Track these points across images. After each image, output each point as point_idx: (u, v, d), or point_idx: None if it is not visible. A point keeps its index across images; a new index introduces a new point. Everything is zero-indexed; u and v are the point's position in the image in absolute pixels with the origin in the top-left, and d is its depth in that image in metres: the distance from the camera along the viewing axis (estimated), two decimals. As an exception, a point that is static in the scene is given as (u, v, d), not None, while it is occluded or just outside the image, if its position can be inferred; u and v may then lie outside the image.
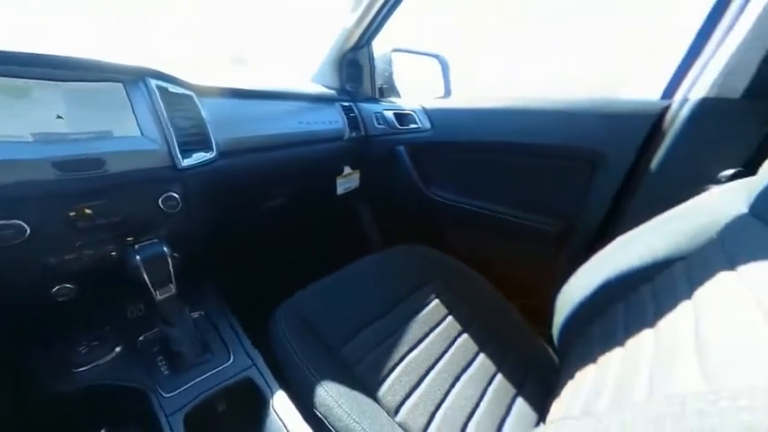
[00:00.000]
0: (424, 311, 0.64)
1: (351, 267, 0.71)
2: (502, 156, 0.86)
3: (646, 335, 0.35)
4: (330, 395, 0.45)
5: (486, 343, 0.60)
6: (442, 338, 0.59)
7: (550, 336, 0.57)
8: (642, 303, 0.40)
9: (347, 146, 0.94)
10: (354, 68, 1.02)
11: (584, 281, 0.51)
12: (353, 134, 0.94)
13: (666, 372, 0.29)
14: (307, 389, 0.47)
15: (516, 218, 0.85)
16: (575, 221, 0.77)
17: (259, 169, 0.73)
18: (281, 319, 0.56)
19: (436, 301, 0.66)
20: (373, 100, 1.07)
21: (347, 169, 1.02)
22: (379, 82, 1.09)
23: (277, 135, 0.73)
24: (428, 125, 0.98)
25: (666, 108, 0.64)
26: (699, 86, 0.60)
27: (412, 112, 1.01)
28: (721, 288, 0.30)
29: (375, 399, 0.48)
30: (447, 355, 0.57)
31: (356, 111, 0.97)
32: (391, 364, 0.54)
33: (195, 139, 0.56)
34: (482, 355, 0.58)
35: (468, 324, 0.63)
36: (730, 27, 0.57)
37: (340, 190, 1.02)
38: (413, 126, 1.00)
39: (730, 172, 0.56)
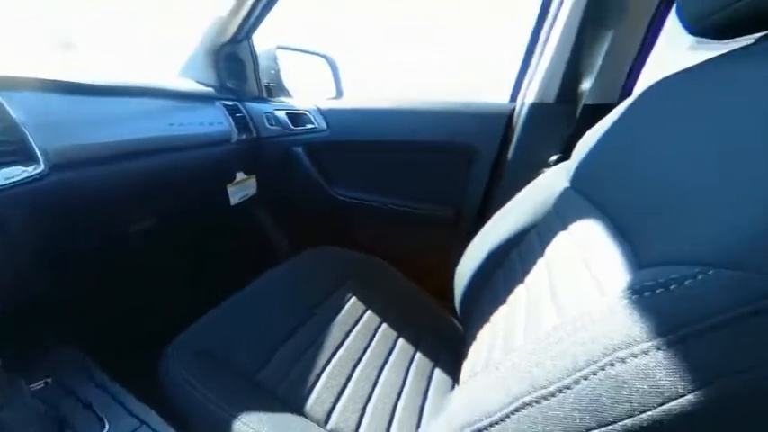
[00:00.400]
0: (342, 312, 0.64)
1: (257, 282, 0.66)
2: (395, 153, 0.93)
3: (519, 290, 0.45)
4: (250, 427, 0.41)
5: (402, 328, 0.65)
6: (362, 334, 0.61)
7: (454, 308, 0.65)
8: (514, 266, 0.50)
9: (237, 149, 0.85)
10: (235, 64, 0.93)
11: (472, 256, 0.61)
12: (243, 136, 0.85)
13: (535, 316, 0.37)
14: (221, 429, 0.41)
15: (414, 208, 0.94)
16: (461, 207, 0.90)
17: (117, 183, 0.58)
18: (173, 358, 0.47)
19: (353, 299, 0.67)
20: (261, 99, 1.00)
21: (240, 175, 0.93)
22: (264, 80, 1.02)
23: (139, 140, 0.60)
24: (324, 125, 0.97)
25: (513, 110, 0.81)
26: (529, 93, 0.78)
27: (307, 113, 0.98)
28: (560, 245, 0.40)
29: (303, 414, 0.46)
30: (369, 349, 0.58)
31: (244, 110, 0.89)
32: (316, 373, 0.52)
33: (5, 149, 0.41)
34: (401, 341, 0.62)
35: (384, 315, 0.66)
36: (545, 43, 0.76)
37: (234, 199, 0.92)
38: (309, 126, 0.97)
39: (555, 158, 0.75)
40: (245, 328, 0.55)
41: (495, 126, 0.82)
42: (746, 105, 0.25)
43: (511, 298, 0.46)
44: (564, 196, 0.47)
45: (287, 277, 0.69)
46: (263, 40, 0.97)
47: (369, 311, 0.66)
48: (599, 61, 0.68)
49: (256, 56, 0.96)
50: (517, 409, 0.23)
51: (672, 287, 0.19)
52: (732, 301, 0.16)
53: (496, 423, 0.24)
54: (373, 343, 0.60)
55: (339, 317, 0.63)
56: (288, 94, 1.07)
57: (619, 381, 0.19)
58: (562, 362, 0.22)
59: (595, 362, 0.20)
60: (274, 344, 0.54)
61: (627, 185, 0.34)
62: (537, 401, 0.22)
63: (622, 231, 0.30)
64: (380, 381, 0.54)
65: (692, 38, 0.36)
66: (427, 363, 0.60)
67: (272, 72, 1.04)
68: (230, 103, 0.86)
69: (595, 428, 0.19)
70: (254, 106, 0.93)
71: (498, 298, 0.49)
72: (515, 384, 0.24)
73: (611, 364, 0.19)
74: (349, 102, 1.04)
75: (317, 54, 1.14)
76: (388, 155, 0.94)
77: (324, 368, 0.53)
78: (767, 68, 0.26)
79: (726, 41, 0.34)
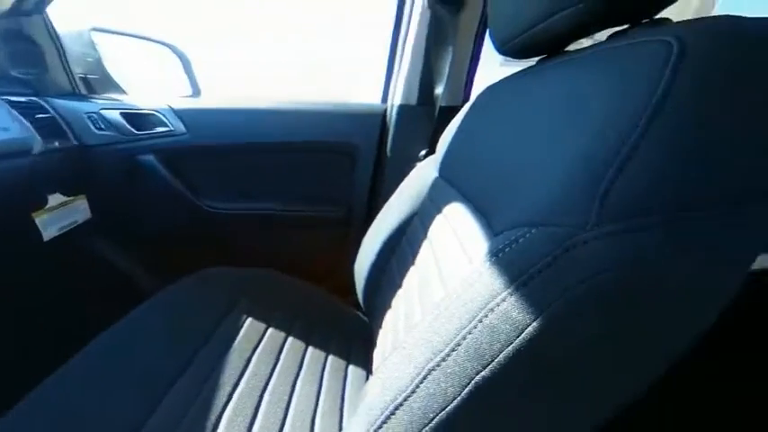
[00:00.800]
0: (238, 339, 0.56)
1: (116, 329, 0.51)
2: (274, 155, 0.88)
3: (412, 272, 0.50)
4: None
5: (309, 337, 0.62)
6: (267, 356, 0.56)
7: (359, 303, 0.67)
8: (404, 252, 0.55)
9: (46, 163, 0.63)
10: (23, 45, 0.67)
11: (367, 249, 0.64)
12: (56, 144, 0.64)
13: (428, 292, 0.42)
14: None
15: (303, 212, 0.91)
16: (351, 204, 0.93)
17: None
18: None
19: (249, 321, 0.61)
20: (78, 96, 0.76)
21: (56, 198, 0.69)
22: (78, 71, 0.78)
23: None
24: (182, 128, 0.82)
25: (385, 110, 0.88)
26: (396, 95, 0.87)
27: (155, 113, 0.81)
28: (438, 227, 0.47)
29: None
30: (278, 369, 0.54)
31: (50, 110, 0.66)
32: (215, 415, 0.45)
33: None
34: (310, 349, 0.60)
35: (289, 328, 0.62)
36: (402, 53, 0.85)
37: (50, 232, 0.68)
38: (161, 130, 0.80)
39: (423, 152, 0.86)
40: (106, 387, 0.42)
41: (372, 125, 0.88)
42: (536, 110, 0.35)
43: (406, 281, 0.51)
44: (435, 185, 0.55)
45: (158, 314, 0.56)
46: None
47: (270, 329, 0.61)
48: (445, 70, 0.81)
49: (58, 37, 0.72)
50: (425, 377, 0.26)
51: (514, 246, 0.25)
52: (549, 248, 0.23)
53: (409, 396, 0.26)
54: (281, 361, 0.56)
55: (235, 344, 0.55)
56: (119, 90, 0.85)
57: (491, 327, 0.24)
58: (452, 325, 0.26)
59: (475, 317, 0.25)
60: (153, 397, 0.43)
61: (477, 172, 0.42)
62: (438, 365, 0.26)
63: (480, 209, 0.38)
64: (294, 397, 0.51)
65: (501, 56, 0.47)
66: (340, 363, 0.60)
67: (90, 60, 0.81)
68: (22, 99, 0.62)
69: (481, 370, 0.24)
70: (68, 104, 0.70)
71: (395, 283, 0.53)
72: (420, 356, 0.27)
73: (486, 316, 0.24)
74: (212, 101, 0.91)
75: (156, 41, 0.95)
76: (267, 157, 0.88)
77: (225, 406, 0.46)
78: (544, 83, 0.37)
79: (522, 60, 0.46)
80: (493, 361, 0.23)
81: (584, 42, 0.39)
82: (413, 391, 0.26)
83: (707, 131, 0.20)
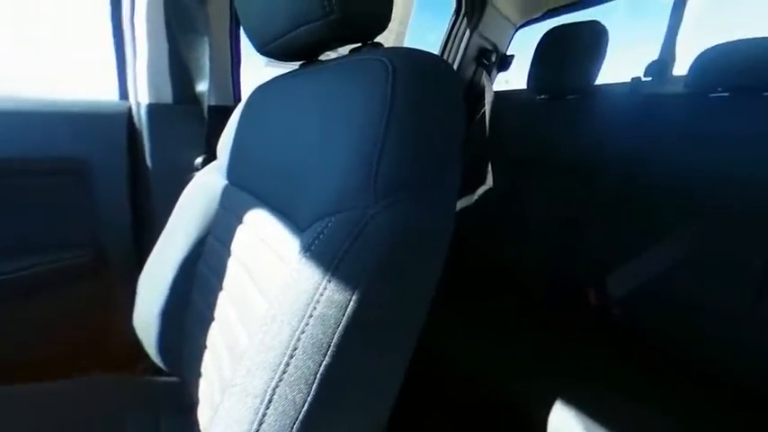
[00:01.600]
0: None
1: None
2: None
3: (223, 298, 0.43)
4: None
5: None
6: None
7: (156, 365, 0.51)
8: (207, 279, 0.47)
9: None
10: None
11: (151, 292, 0.49)
12: None
13: (250, 312, 0.37)
14: None
15: (10, 274, 0.56)
16: (103, 241, 0.66)
17: None
18: None
19: None
20: None
21: None
22: None
23: None
24: None
25: (130, 109, 0.67)
26: (140, 93, 0.67)
27: None
28: (242, 238, 0.43)
29: None
30: None
31: None
32: None
33: None
34: None
35: None
36: (134, 43, 0.66)
37: None
38: None
39: (201, 159, 0.73)
40: None
41: (112, 130, 0.65)
42: (306, 110, 0.37)
43: (218, 310, 0.43)
44: (227, 193, 0.49)
45: None
46: None
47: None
48: (205, 66, 0.70)
49: None
50: (270, 400, 0.24)
51: (321, 236, 0.27)
52: (348, 230, 0.26)
53: (258, 428, 0.24)
54: None
55: None
56: None
57: (321, 317, 0.25)
58: (284, 333, 0.25)
59: (305, 314, 0.25)
60: None
61: (267, 173, 0.41)
62: (281, 379, 0.24)
63: (280, 210, 0.37)
64: None
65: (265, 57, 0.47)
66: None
67: None
68: None
69: (323, 360, 0.24)
70: None
71: (205, 318, 0.44)
72: (258, 382, 0.25)
73: (315, 308, 0.25)
74: None
75: None
76: None
77: None
78: (307, 86, 0.40)
79: (287, 63, 0.48)
80: (330, 345, 0.25)
81: (331, 54, 0.46)
82: (261, 421, 0.24)
83: (417, 134, 0.29)
